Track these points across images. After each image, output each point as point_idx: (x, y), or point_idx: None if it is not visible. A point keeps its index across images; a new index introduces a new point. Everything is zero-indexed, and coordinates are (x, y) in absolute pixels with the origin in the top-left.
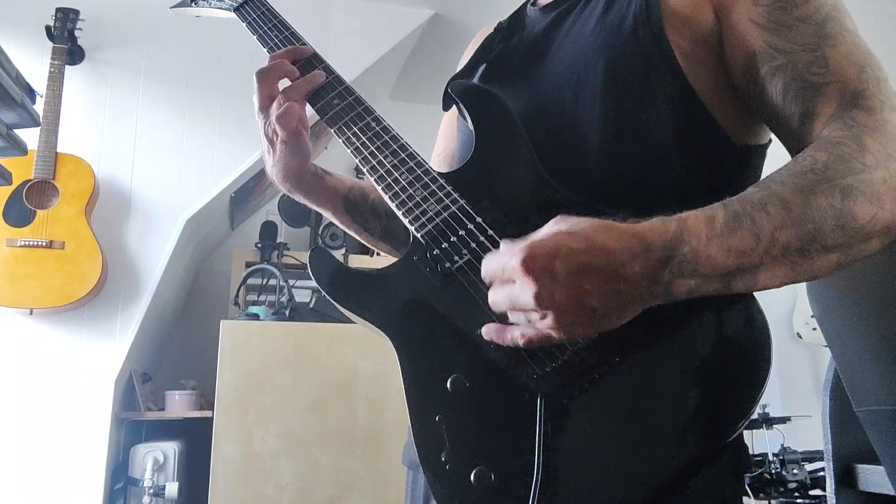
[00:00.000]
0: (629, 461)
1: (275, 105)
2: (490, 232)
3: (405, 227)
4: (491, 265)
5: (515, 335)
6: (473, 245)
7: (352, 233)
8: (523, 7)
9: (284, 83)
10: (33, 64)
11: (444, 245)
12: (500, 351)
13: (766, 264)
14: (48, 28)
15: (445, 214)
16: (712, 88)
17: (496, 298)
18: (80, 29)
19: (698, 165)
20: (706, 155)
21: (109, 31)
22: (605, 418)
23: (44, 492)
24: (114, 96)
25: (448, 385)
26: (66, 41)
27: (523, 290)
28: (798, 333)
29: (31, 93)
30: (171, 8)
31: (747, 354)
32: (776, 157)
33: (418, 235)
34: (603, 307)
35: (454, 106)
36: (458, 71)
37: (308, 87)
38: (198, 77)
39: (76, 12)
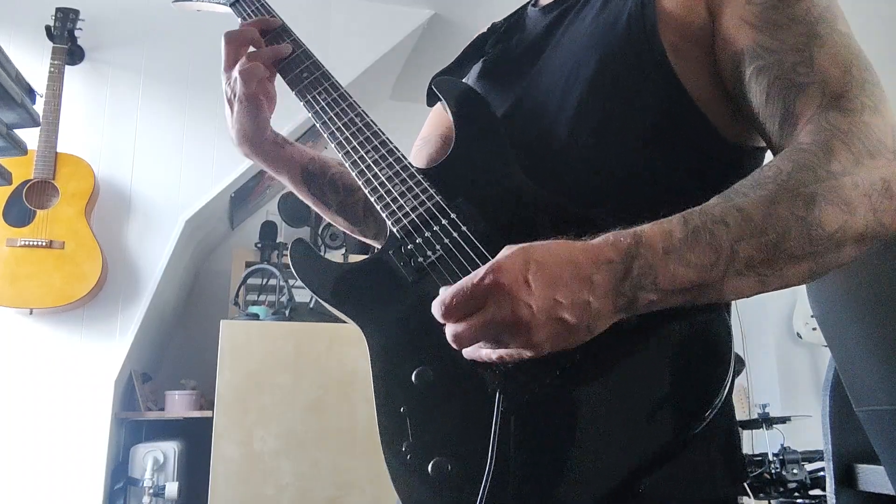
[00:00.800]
0: (586, 458)
1: (239, 63)
2: (463, 228)
3: (363, 204)
4: (449, 295)
5: (491, 354)
6: (447, 241)
7: (309, 203)
8: (524, 7)
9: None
10: (33, 64)
11: (419, 240)
12: None
13: (730, 277)
14: (48, 28)
15: (421, 210)
16: (705, 87)
17: (460, 330)
18: (80, 29)
19: (689, 163)
20: (697, 153)
21: (109, 31)
22: (564, 415)
23: (44, 492)
24: (114, 96)
25: (413, 378)
26: (66, 41)
27: (499, 308)
28: (798, 333)
29: (30, 93)
30: (173, 2)
31: (708, 347)
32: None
33: (394, 230)
34: (575, 320)
35: (438, 103)
36: (444, 67)
37: (272, 54)
38: (198, 77)
39: (76, 12)
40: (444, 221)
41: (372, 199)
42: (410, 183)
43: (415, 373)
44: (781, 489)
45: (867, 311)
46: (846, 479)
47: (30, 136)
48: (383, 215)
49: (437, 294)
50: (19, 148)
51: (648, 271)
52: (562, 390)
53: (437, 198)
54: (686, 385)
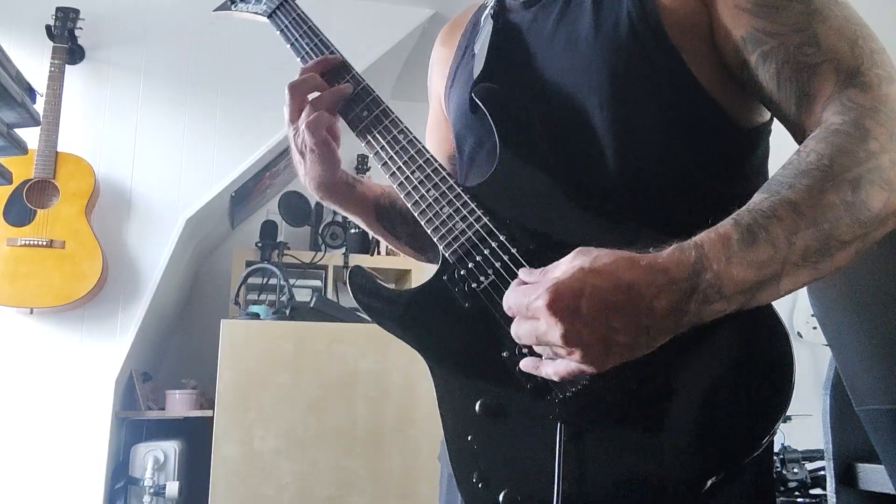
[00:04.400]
0: (649, 484)
1: (304, 114)
2: (513, 251)
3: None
4: (512, 300)
5: (549, 371)
6: (497, 265)
7: (379, 237)
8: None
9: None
10: (33, 63)
11: (470, 265)
12: (526, 374)
13: (787, 271)
14: (48, 27)
15: (470, 233)
16: (714, 78)
17: (520, 332)
18: (80, 28)
19: (710, 156)
20: (716, 145)
21: (109, 30)
22: (625, 442)
23: (44, 491)
24: (114, 96)
25: (477, 407)
26: (66, 40)
27: (550, 330)
28: (798, 332)
29: (31, 92)
30: (213, 11)
31: (769, 371)
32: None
33: (446, 255)
34: (631, 341)
35: (452, 102)
36: (480, 71)
37: (335, 98)
38: (198, 77)
39: (76, 12)
40: (493, 245)
41: (422, 223)
42: (458, 204)
43: (478, 403)
44: (782, 488)
45: (867, 311)
46: (847, 478)
47: (30, 136)
48: (434, 239)
49: (493, 321)
50: (20, 147)
51: (715, 282)
52: (623, 416)
53: (485, 219)
54: (751, 406)
